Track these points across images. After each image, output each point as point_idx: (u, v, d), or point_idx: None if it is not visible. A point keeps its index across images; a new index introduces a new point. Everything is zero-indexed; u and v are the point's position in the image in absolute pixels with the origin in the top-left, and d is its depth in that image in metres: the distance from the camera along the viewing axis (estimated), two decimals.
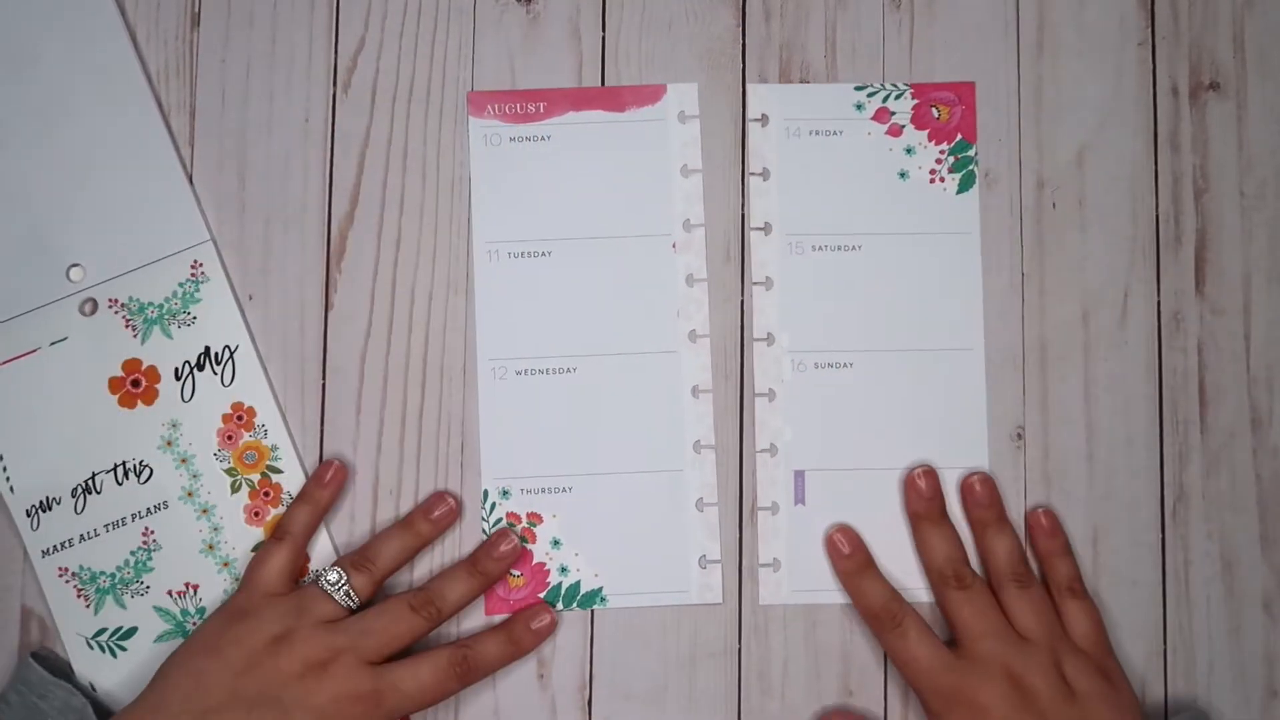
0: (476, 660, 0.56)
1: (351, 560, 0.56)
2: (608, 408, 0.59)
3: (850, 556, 0.58)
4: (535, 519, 0.59)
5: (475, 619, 0.59)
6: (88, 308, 0.59)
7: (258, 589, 0.55)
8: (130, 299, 0.59)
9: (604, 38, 0.61)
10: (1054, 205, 0.60)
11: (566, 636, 0.58)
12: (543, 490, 0.59)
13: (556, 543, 0.59)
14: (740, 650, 0.59)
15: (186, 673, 0.53)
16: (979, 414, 0.59)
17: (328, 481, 0.58)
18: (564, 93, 0.60)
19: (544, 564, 0.59)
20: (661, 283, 0.60)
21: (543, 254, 0.60)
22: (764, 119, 0.60)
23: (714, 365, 0.59)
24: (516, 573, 0.59)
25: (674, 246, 0.60)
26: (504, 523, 0.59)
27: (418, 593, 0.56)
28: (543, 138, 0.60)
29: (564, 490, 0.59)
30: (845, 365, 0.59)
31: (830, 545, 0.58)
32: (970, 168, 0.60)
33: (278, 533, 0.57)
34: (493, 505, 0.59)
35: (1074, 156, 0.61)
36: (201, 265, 0.59)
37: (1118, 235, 0.60)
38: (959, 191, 0.60)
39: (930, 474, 0.58)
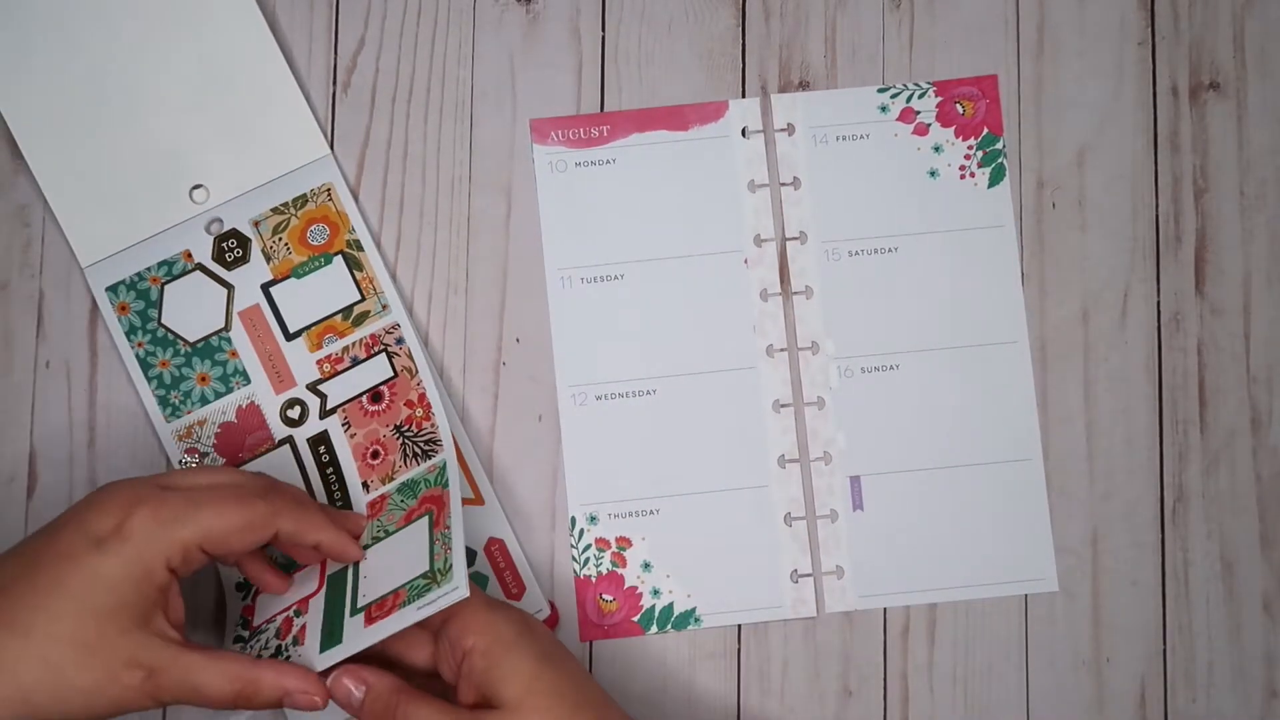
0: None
1: None
2: (690, 427, 0.59)
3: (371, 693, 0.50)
4: (624, 543, 0.59)
5: (569, 643, 0.58)
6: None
7: None
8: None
9: (604, 38, 0.61)
10: (1054, 205, 0.60)
11: (565, 637, 0.58)
12: (630, 514, 0.59)
13: (647, 566, 0.58)
14: (739, 651, 0.59)
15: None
16: (1028, 405, 0.59)
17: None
18: (627, 115, 0.60)
19: (636, 588, 0.58)
20: (736, 299, 0.60)
21: (615, 277, 0.60)
22: (790, 128, 0.60)
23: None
24: (609, 597, 0.58)
25: (745, 262, 0.60)
26: (593, 549, 0.58)
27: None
28: (608, 161, 0.60)
29: (651, 513, 0.59)
30: (892, 368, 0.59)
31: (338, 690, 0.50)
32: (1000, 160, 0.60)
33: None
34: (581, 532, 0.58)
35: (1074, 156, 0.61)
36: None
37: (1118, 235, 0.60)
38: (990, 185, 0.60)
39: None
